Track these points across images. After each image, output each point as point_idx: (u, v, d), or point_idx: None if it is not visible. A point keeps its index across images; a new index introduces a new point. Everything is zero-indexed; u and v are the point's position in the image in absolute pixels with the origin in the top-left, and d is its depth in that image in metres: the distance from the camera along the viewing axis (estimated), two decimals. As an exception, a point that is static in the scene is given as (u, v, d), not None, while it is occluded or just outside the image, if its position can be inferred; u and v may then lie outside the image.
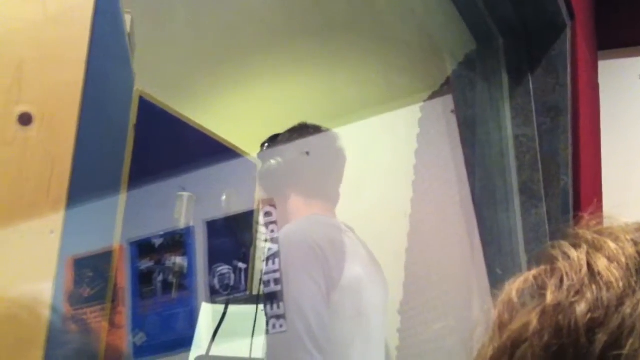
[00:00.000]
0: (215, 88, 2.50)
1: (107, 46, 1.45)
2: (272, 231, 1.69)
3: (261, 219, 1.74)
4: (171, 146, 2.06)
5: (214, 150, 2.18)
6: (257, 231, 1.71)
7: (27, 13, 1.26)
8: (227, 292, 1.59)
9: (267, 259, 1.61)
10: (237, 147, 2.16)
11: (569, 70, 1.70)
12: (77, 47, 1.25)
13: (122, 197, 1.90)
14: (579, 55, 1.78)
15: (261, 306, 1.55)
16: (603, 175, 2.02)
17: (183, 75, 2.39)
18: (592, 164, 1.73)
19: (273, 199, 1.78)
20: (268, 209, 1.78)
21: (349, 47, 2.23)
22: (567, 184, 1.64)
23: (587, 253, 0.48)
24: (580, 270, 0.47)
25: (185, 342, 1.47)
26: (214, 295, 1.58)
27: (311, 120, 1.86)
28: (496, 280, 1.64)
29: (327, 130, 1.84)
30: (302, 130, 1.81)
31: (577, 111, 1.72)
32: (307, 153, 1.74)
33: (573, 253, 0.49)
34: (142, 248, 1.51)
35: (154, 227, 1.87)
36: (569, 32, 1.73)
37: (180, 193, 1.96)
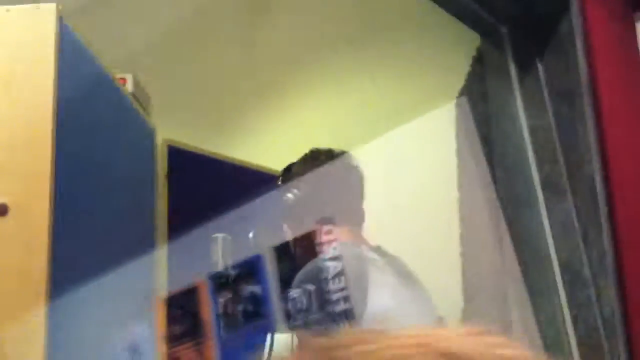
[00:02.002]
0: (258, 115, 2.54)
1: (82, 124, 1.47)
2: (335, 249, 1.71)
3: (323, 237, 1.76)
4: (205, 186, 2.11)
5: (252, 180, 2.20)
6: (319, 252, 1.72)
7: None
8: (301, 316, 1.62)
9: (333, 278, 1.63)
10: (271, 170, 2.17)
11: (579, 47, 1.57)
12: (43, 135, 1.29)
13: (162, 251, 1.95)
14: (594, 27, 1.63)
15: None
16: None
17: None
18: (628, 148, 1.59)
19: (333, 217, 1.80)
20: (328, 227, 1.79)
21: (385, 53, 2.21)
22: (594, 175, 1.53)
23: None
24: None
25: None
26: (290, 320, 1.61)
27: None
28: (532, 285, 1.57)
29: (340, 152, 1.82)
30: (314, 157, 1.80)
31: (598, 92, 1.58)
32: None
33: None
34: (220, 282, 1.56)
35: (194, 272, 1.92)
36: (575, 1, 1.59)
37: (214, 235, 2.01)
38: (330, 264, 1.62)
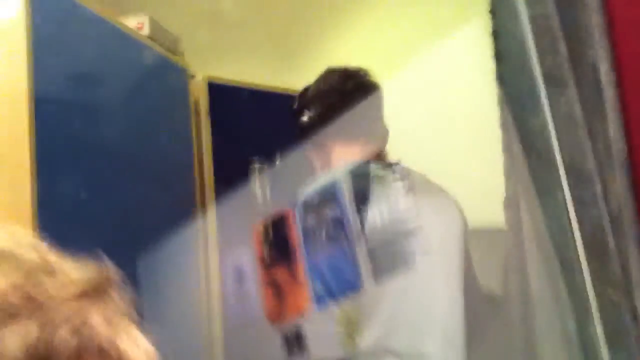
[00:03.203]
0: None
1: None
2: (394, 162, 1.76)
3: (335, 157, 1.80)
4: (249, 119, 2.16)
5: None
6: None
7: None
8: (368, 228, 1.70)
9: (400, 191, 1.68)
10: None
11: None
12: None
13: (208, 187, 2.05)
14: None
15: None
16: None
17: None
18: (634, 30, 1.43)
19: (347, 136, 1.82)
20: (342, 146, 1.83)
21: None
22: (597, 62, 1.40)
23: None
24: None
25: (355, 285, 1.62)
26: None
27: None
28: (537, 186, 1.49)
29: (356, 70, 1.81)
30: (328, 77, 1.80)
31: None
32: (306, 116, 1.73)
33: None
34: (305, 208, 1.67)
35: (240, 206, 2.01)
36: None
37: (253, 165, 2.09)
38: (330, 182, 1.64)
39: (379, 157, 1.77)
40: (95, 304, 0.50)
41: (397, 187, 1.64)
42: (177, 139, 1.99)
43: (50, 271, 0.50)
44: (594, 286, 1.39)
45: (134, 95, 1.78)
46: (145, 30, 1.86)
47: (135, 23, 1.83)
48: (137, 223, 1.83)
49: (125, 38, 1.77)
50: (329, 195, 1.66)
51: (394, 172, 1.68)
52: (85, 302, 0.49)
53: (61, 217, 1.52)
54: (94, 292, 0.51)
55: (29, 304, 0.46)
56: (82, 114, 1.61)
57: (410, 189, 1.68)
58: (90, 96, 1.65)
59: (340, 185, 1.67)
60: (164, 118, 1.93)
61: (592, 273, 1.39)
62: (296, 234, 1.70)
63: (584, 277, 1.40)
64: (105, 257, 0.57)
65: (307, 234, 1.67)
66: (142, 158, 1.84)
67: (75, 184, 1.55)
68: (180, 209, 1.98)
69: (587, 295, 1.39)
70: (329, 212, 1.66)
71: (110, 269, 0.55)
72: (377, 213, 1.57)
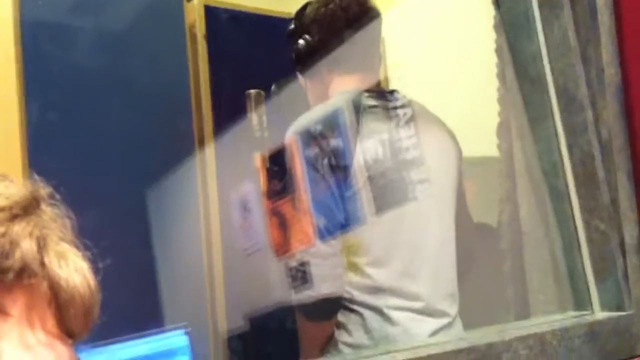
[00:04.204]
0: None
1: None
2: (390, 92, 1.74)
3: (330, 86, 1.76)
4: (246, 43, 2.12)
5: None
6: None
7: None
8: (369, 159, 1.67)
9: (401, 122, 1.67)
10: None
11: None
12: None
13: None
14: None
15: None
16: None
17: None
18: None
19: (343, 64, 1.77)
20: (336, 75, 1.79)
21: None
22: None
23: None
24: None
25: (358, 219, 1.61)
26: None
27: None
28: (529, 113, 1.46)
29: None
30: None
31: None
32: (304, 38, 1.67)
33: None
34: (306, 138, 1.65)
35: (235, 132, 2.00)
36: None
37: (247, 92, 2.05)
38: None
39: (376, 87, 1.73)
40: (22, 223, 0.50)
41: (397, 116, 1.61)
42: (173, 67, 1.96)
43: None
44: (582, 216, 1.37)
45: (126, 20, 1.75)
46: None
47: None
48: (136, 155, 1.83)
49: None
50: (331, 125, 1.62)
51: (393, 101, 1.65)
52: (14, 223, 0.50)
53: (53, 149, 1.53)
54: (23, 211, 0.51)
55: None
56: (73, 39, 1.59)
57: (411, 118, 1.65)
58: (82, 21, 1.63)
59: (342, 115, 1.63)
60: (158, 44, 1.90)
61: (581, 202, 1.37)
62: (299, 164, 1.68)
63: (572, 207, 1.38)
64: (37, 176, 0.56)
65: (309, 164, 1.64)
66: (138, 86, 1.83)
67: (66, 114, 1.55)
68: (178, 140, 1.98)
69: (575, 225, 1.38)
70: (331, 143, 1.62)
71: (41, 187, 0.56)
72: (378, 143, 1.55)
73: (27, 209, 0.52)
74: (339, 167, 1.59)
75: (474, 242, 1.74)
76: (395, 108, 1.64)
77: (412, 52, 2.11)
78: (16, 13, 1.37)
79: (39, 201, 0.54)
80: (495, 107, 1.56)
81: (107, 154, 1.67)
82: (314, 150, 1.60)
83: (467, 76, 2.03)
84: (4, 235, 0.49)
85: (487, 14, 1.69)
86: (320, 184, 1.62)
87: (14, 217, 0.50)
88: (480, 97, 1.73)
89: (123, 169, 1.73)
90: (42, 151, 1.43)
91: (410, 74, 1.98)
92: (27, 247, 0.49)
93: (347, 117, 1.60)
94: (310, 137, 1.61)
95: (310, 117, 1.63)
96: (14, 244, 0.48)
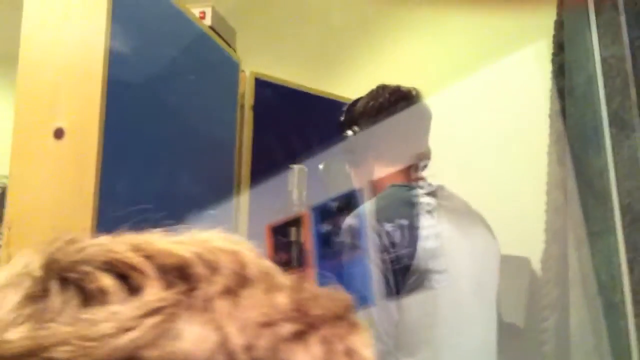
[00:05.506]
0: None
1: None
2: (430, 184, 1.73)
3: (378, 178, 1.77)
4: (291, 118, 2.14)
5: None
6: (372, 193, 1.73)
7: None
8: (394, 250, 1.66)
9: (427, 213, 1.65)
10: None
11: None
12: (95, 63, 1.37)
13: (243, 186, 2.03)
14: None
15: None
16: None
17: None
18: None
19: (391, 157, 1.78)
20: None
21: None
22: (666, 109, 1.40)
23: None
24: None
25: (365, 298, 1.59)
26: (383, 253, 1.65)
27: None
28: (590, 226, 1.49)
29: (408, 89, 1.77)
30: (379, 93, 1.75)
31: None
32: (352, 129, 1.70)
33: None
34: (323, 213, 1.62)
35: (272, 202, 2.01)
36: None
37: (291, 166, 2.07)
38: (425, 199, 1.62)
39: (418, 177, 1.74)
40: (351, 329, 0.47)
41: (422, 205, 1.63)
42: (224, 127, 1.98)
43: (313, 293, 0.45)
44: (638, 335, 1.39)
45: (191, 83, 1.77)
46: (207, 20, 1.84)
47: (198, 11, 1.81)
48: (180, 201, 1.82)
49: (189, 25, 1.76)
50: (349, 205, 1.63)
51: (419, 189, 1.66)
52: (346, 325, 0.46)
53: (122, 200, 1.51)
54: (349, 317, 0.48)
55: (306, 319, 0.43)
56: (150, 103, 1.60)
57: (434, 209, 1.67)
58: (156, 83, 1.64)
59: (363, 200, 1.64)
60: (215, 107, 1.92)
61: (637, 321, 1.39)
62: (310, 237, 1.68)
63: (628, 323, 1.40)
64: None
65: (321, 239, 1.64)
66: (191, 138, 1.83)
67: (138, 172, 1.54)
68: (219, 191, 1.98)
69: (630, 343, 1.40)
70: (395, 240, 1.61)
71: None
72: (397, 229, 1.55)
73: (349, 315, 0.47)
74: (400, 264, 1.58)
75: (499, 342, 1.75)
76: (426, 197, 1.66)
77: (463, 144, 2.14)
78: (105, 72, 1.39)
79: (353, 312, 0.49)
80: (541, 212, 1.59)
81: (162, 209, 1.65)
82: (328, 227, 1.60)
83: (516, 180, 2.05)
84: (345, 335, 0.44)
85: (545, 124, 1.75)
86: (330, 261, 1.62)
87: (344, 319, 0.45)
88: (527, 201, 1.77)
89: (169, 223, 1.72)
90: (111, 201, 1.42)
91: (460, 166, 2.00)
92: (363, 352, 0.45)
93: (408, 217, 1.60)
94: (327, 213, 1.62)
95: (372, 209, 1.63)
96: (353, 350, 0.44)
